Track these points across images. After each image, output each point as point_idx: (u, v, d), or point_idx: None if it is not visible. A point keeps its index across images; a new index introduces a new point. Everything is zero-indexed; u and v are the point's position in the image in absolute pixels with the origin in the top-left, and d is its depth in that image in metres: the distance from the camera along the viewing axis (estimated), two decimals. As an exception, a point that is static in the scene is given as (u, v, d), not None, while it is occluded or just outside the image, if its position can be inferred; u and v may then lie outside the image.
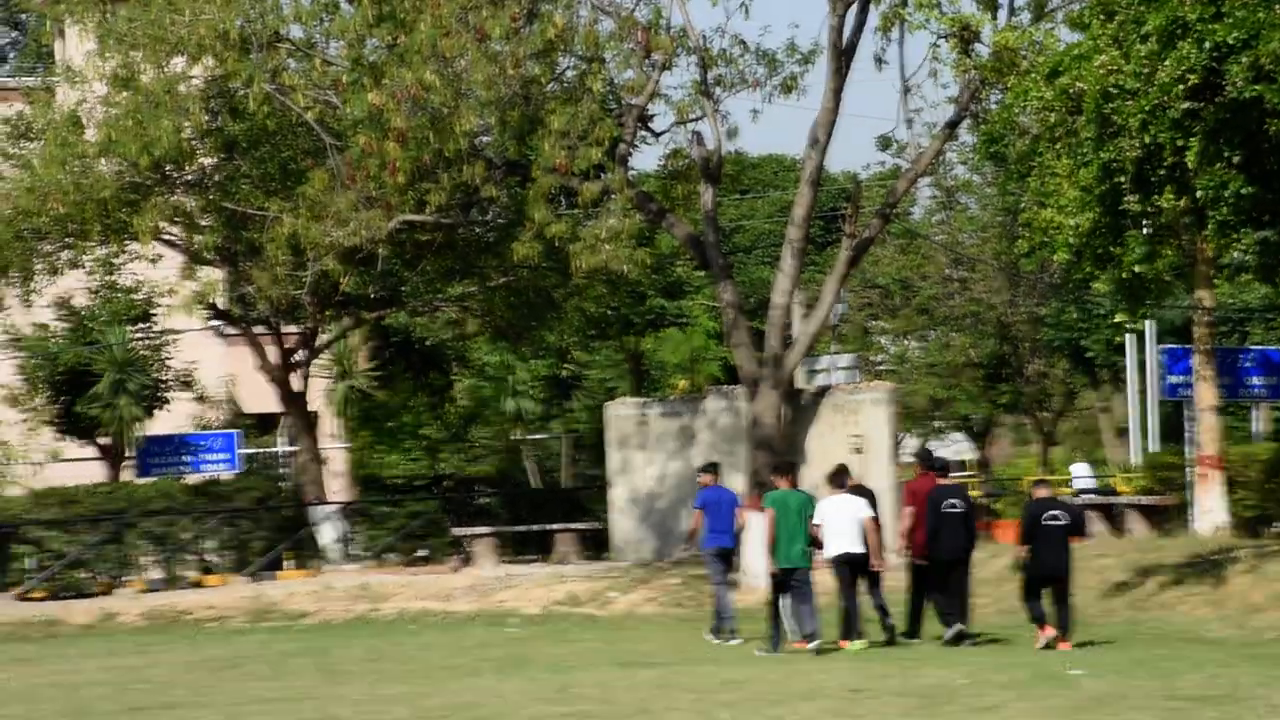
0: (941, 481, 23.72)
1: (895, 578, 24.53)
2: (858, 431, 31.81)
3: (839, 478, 23.57)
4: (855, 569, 23.05)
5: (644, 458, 33.96)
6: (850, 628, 23.03)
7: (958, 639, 23.04)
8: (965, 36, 27.08)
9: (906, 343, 54.35)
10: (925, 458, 24.59)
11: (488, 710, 17.71)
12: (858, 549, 22.97)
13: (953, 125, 31.52)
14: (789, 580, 22.85)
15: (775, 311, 31.14)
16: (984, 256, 50.41)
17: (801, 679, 19.44)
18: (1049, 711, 16.56)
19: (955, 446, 65.92)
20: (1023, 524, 23.01)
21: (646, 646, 24.32)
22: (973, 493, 46.11)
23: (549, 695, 18.72)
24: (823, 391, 32.95)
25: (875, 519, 23.35)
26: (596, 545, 36.94)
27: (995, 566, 29.25)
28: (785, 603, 23.04)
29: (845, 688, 18.51)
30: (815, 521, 22.99)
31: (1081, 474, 43.74)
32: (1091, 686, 18.23)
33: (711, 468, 25.46)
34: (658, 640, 25.18)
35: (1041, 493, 23.26)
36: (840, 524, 23.01)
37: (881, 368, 52.87)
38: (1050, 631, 22.61)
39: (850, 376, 39.13)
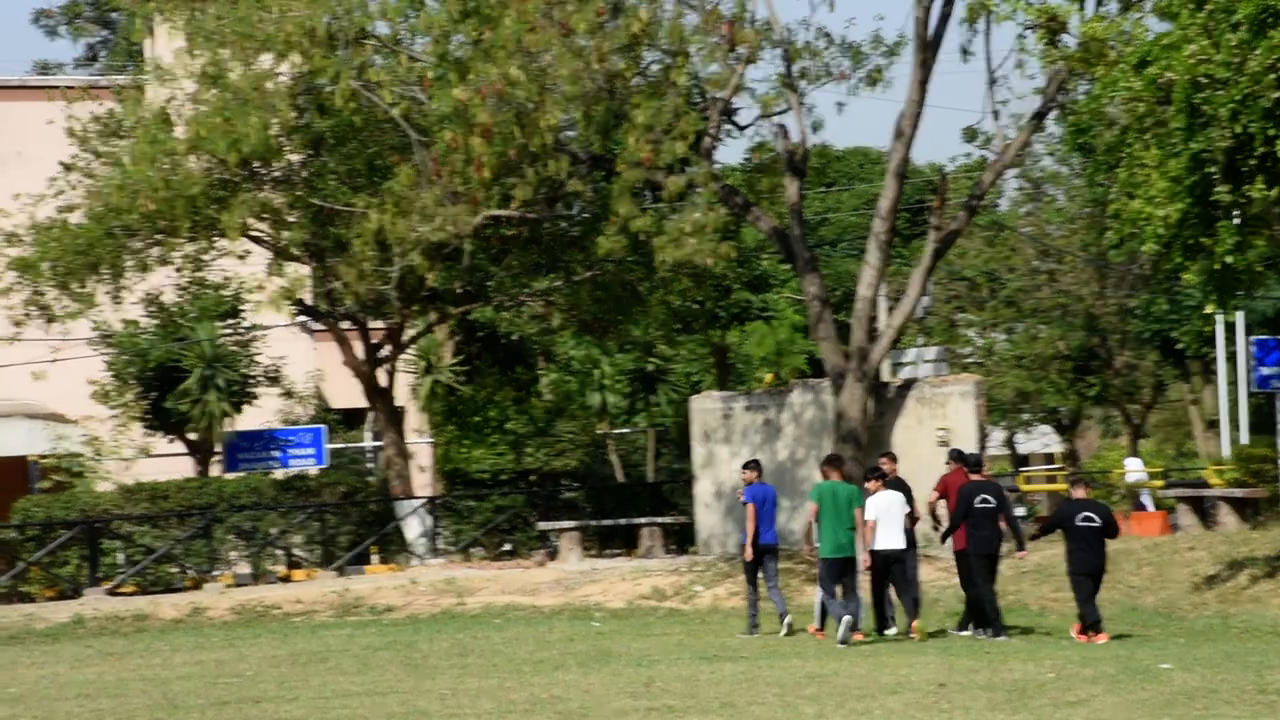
0: (974, 477, 24.08)
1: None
2: (944, 424, 31.66)
3: (878, 471, 24.25)
4: (893, 564, 23.73)
5: (728, 451, 33.91)
6: (883, 620, 23.91)
7: (986, 633, 23.63)
8: (1052, 27, 26.86)
9: (993, 335, 54.01)
10: (957, 455, 25.02)
11: (573, 704, 17.72)
12: (901, 545, 23.66)
13: (1039, 116, 31.33)
14: (842, 571, 23.52)
15: (861, 304, 31.03)
16: (1072, 248, 50.07)
17: (888, 673, 19.37)
18: (1138, 705, 16.44)
19: (1043, 439, 65.57)
20: (1053, 523, 23.71)
21: (731, 640, 24.30)
22: (1058, 486, 45.93)
23: (633, 689, 18.72)
24: (909, 384, 32.80)
25: (913, 514, 24.14)
26: (681, 539, 36.93)
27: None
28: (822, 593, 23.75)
29: (932, 682, 18.42)
30: (867, 517, 23.60)
31: (1135, 469, 43.68)
32: (1182, 680, 18.08)
33: (753, 465, 25.74)
34: (742, 634, 25.11)
35: (1079, 493, 23.64)
36: (890, 519, 23.68)
37: (968, 360, 52.55)
38: (1105, 637, 22.88)
39: (936, 369, 38.93)
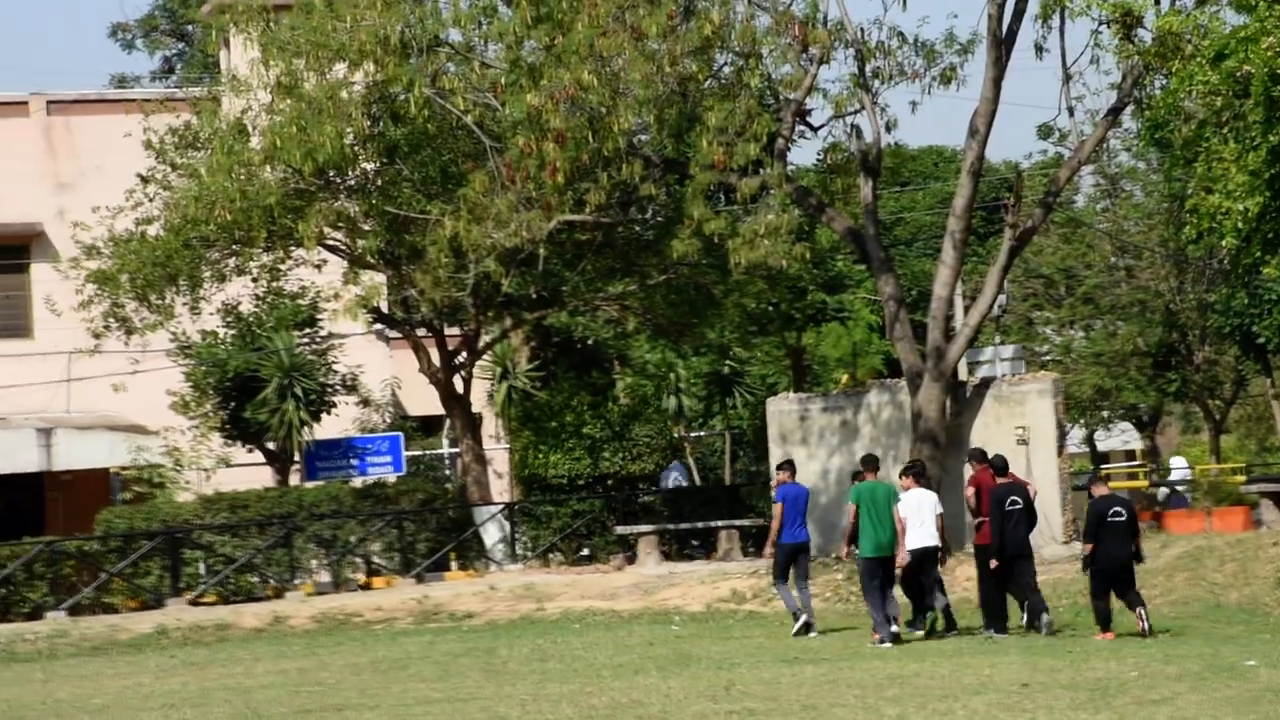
0: (1001, 480, 24.40)
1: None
2: (1022, 423, 31.48)
3: (916, 470, 24.78)
4: (926, 561, 24.07)
5: (805, 453, 33.81)
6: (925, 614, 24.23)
7: (1046, 627, 23.66)
8: (1127, 22, 26.66)
9: (1071, 332, 53.70)
10: (979, 456, 25.46)
11: (653, 709, 17.71)
12: (933, 542, 24.05)
13: (1115, 112, 31.12)
14: (881, 567, 23.80)
15: (937, 303, 30.89)
16: (1150, 244, 49.74)
17: (970, 674, 19.27)
18: (1222, 703, 16.29)
19: (1123, 436, 65.16)
20: (1088, 522, 23.49)
21: (811, 642, 24.22)
22: (1140, 483, 45.65)
23: (714, 693, 18.69)
24: (986, 383, 32.63)
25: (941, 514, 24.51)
26: (759, 541, 36.83)
27: (1166, 558, 28.90)
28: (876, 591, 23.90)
29: (1014, 682, 18.32)
30: (901, 515, 24.02)
31: (1179, 467, 43.55)
32: (1268, 677, 17.91)
33: (786, 465, 26.21)
34: (823, 636, 25.06)
35: (1101, 490, 23.81)
36: (921, 517, 24.06)
37: (1046, 358, 52.28)
38: (1112, 636, 22.97)
39: (1014, 367, 38.75)
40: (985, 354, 40.95)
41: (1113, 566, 23.25)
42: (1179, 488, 43.31)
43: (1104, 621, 23.25)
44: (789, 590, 25.26)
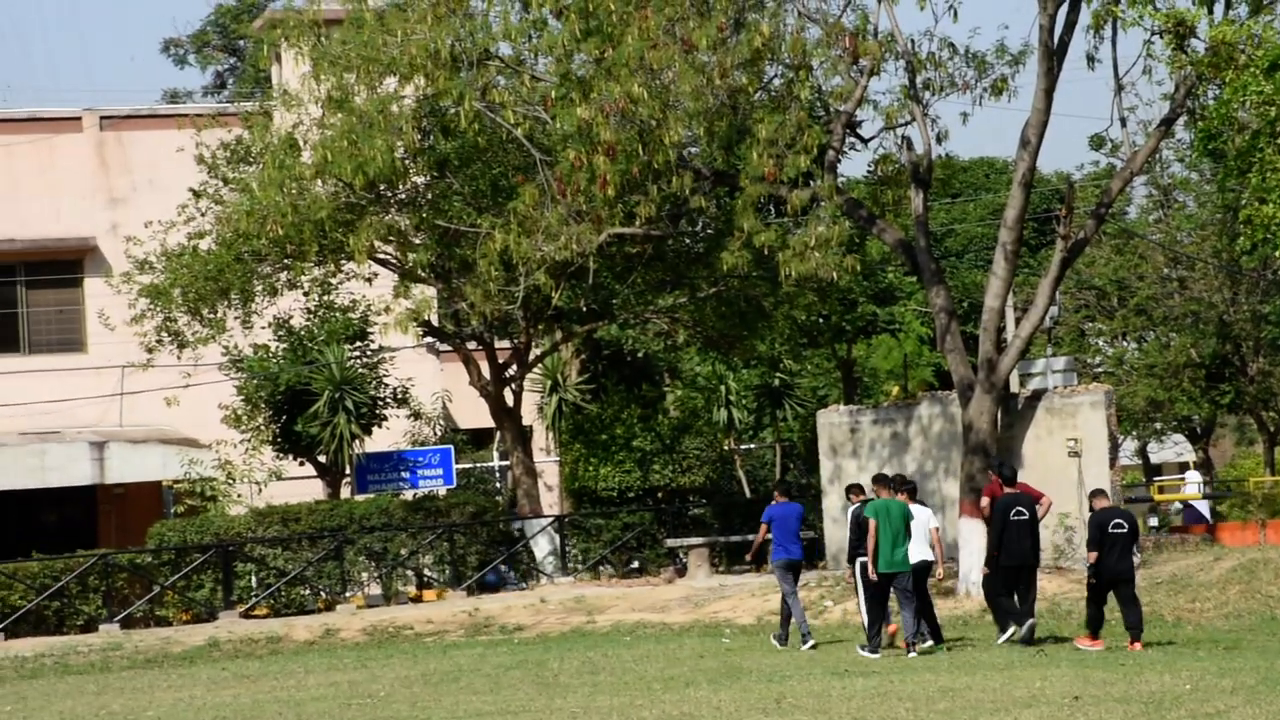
0: (1008, 490, 24.61)
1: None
2: (1074, 435, 31.36)
3: (897, 485, 25.09)
4: (921, 575, 24.58)
5: (856, 465, 33.76)
6: (928, 631, 24.59)
7: (1029, 637, 23.96)
8: (1180, 32, 26.55)
9: (1124, 344, 53.49)
10: (996, 467, 26.04)
11: (704, 721, 17.69)
12: (929, 556, 24.60)
13: (1168, 122, 30.99)
14: (891, 584, 24.13)
15: (989, 315, 30.80)
16: (1203, 255, 49.51)
17: (1021, 686, 19.18)
18: (1277, 716, 16.17)
19: (1176, 448, 64.83)
20: (1090, 533, 23.86)
21: (861, 655, 24.14)
22: (1193, 496, 45.43)
23: (764, 705, 18.65)
24: (1038, 395, 32.52)
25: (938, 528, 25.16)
26: (809, 554, 36.78)
27: (1219, 570, 28.75)
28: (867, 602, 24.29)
29: (1066, 695, 18.23)
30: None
31: (1194, 480, 43.51)
32: (1322, 693, 17.78)
33: (780, 485, 27.27)
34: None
35: (1102, 503, 24.09)
36: (915, 533, 24.42)
37: (1098, 370, 52.07)
38: (1101, 644, 23.32)
39: (1066, 379, 38.60)
40: (1037, 366, 40.81)
41: (1114, 576, 23.60)
42: (1193, 502, 43.37)
43: (1095, 628, 23.66)
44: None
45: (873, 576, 23.99)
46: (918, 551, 24.45)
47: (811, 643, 25.47)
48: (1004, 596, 24.46)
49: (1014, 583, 24.40)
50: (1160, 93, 31.84)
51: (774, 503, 26.42)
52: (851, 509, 25.46)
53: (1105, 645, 23.41)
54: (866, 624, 24.43)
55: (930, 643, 24.53)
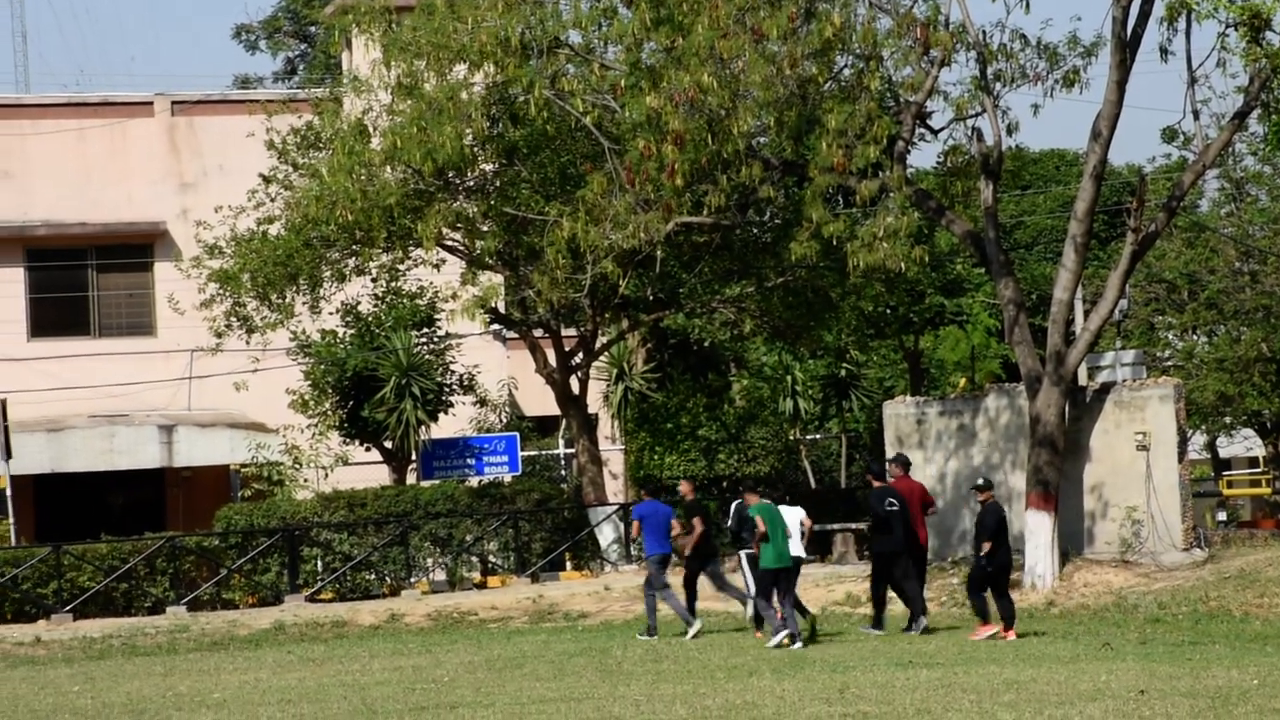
0: (877, 484, 26.92)
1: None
2: (1143, 428, 31.18)
3: (765, 488, 27.68)
4: (797, 570, 26.03)
5: (922, 457, 33.65)
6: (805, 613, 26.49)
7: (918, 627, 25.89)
8: (1255, 24, 26.34)
9: (1193, 337, 53.13)
10: (900, 461, 28.21)
11: (767, 711, 17.67)
12: (800, 551, 25.96)
13: (1242, 116, 30.72)
14: (780, 580, 25.48)
15: (1057, 308, 30.63)
16: (1275, 249, 49.11)
17: (1086, 679, 19.11)
18: (1346, 716, 16.06)
19: (1245, 443, 64.39)
20: (988, 524, 25.18)
21: (926, 646, 24.10)
22: (1263, 490, 45.02)
23: (828, 696, 18.63)
24: (1106, 388, 32.34)
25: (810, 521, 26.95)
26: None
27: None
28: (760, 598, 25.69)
29: (1132, 689, 18.15)
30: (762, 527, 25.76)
31: None
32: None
33: (646, 482, 29.09)
34: (937, 640, 24.95)
35: (989, 496, 25.44)
36: (789, 529, 25.75)
37: (1167, 363, 51.73)
38: (1001, 628, 24.67)
39: (1135, 373, 38.34)
40: (1106, 359, 40.53)
41: (1000, 569, 25.03)
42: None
43: (986, 615, 24.98)
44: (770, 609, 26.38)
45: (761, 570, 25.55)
46: (794, 547, 25.83)
47: (696, 628, 26.91)
48: (884, 587, 26.45)
49: (893, 570, 26.29)
50: (1234, 85, 31.45)
51: (642, 501, 28.19)
52: (735, 504, 27.65)
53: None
54: (763, 615, 25.66)
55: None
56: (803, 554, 26.13)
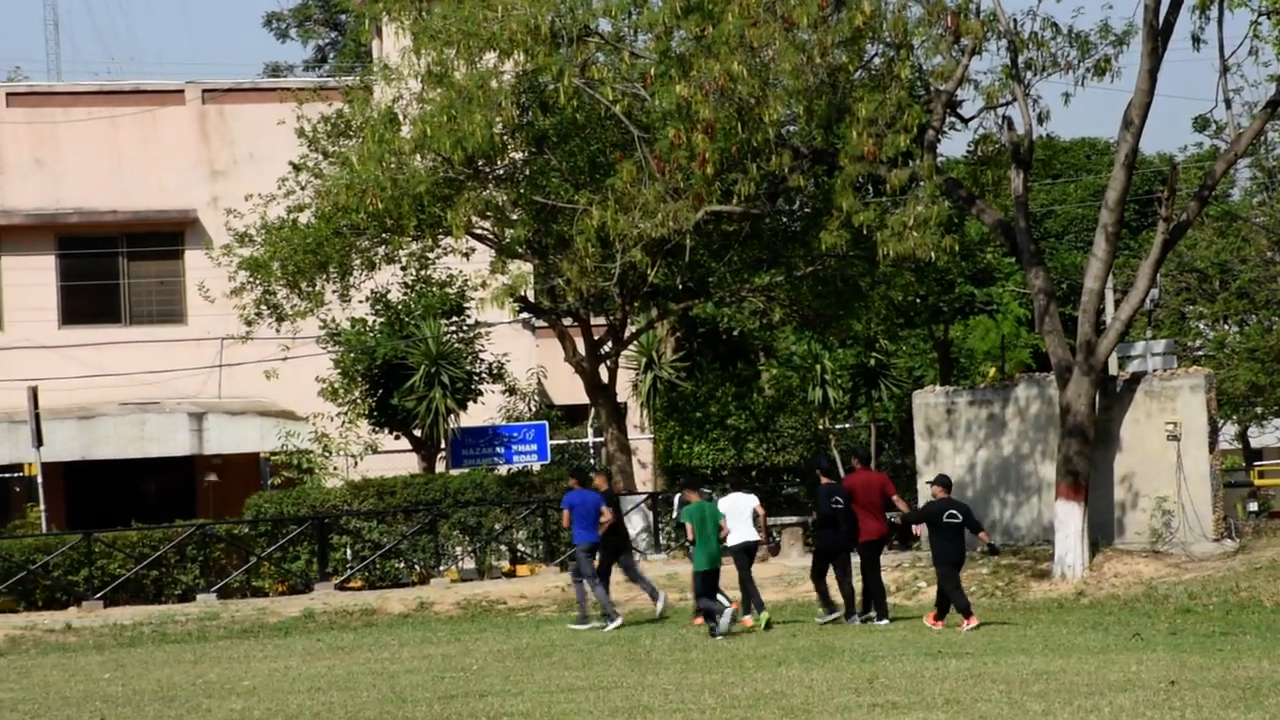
0: (825, 480, 27.19)
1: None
2: (1173, 418, 31.10)
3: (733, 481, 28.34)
4: (751, 553, 26.85)
5: (952, 446, 33.61)
6: (756, 604, 26.70)
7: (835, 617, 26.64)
8: (1286, 12, 26.21)
9: (1225, 327, 52.97)
10: (859, 455, 28.46)
11: (795, 700, 17.65)
12: (754, 536, 26.81)
13: (1274, 104, 30.59)
14: (716, 578, 26.46)
15: (1088, 297, 30.56)
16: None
17: (1116, 670, 19.06)
18: (1378, 708, 15.99)
19: (1277, 433, 64.18)
20: (918, 517, 26.52)
21: (955, 636, 24.07)
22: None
23: (857, 685, 18.61)
24: (1137, 378, 32.26)
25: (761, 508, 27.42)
26: (904, 534, 36.61)
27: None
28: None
29: (1162, 679, 18.10)
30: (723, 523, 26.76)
31: None
32: None
33: (577, 472, 29.40)
34: (967, 630, 24.88)
35: (940, 493, 26.00)
36: (739, 516, 26.69)
37: (1198, 353, 51.59)
38: (976, 620, 25.07)
39: (1166, 362, 38.28)
40: (1136, 348, 40.48)
41: (952, 560, 25.64)
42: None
43: (967, 608, 25.26)
44: (581, 588, 28.01)
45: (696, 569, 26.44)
46: (743, 533, 26.66)
47: (617, 623, 27.43)
48: (824, 579, 26.93)
49: (830, 564, 26.89)
50: (1267, 74, 31.41)
51: (571, 490, 28.55)
52: (678, 496, 28.43)
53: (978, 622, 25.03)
54: (710, 610, 26.00)
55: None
56: (755, 537, 26.88)
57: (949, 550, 25.69)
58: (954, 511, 25.80)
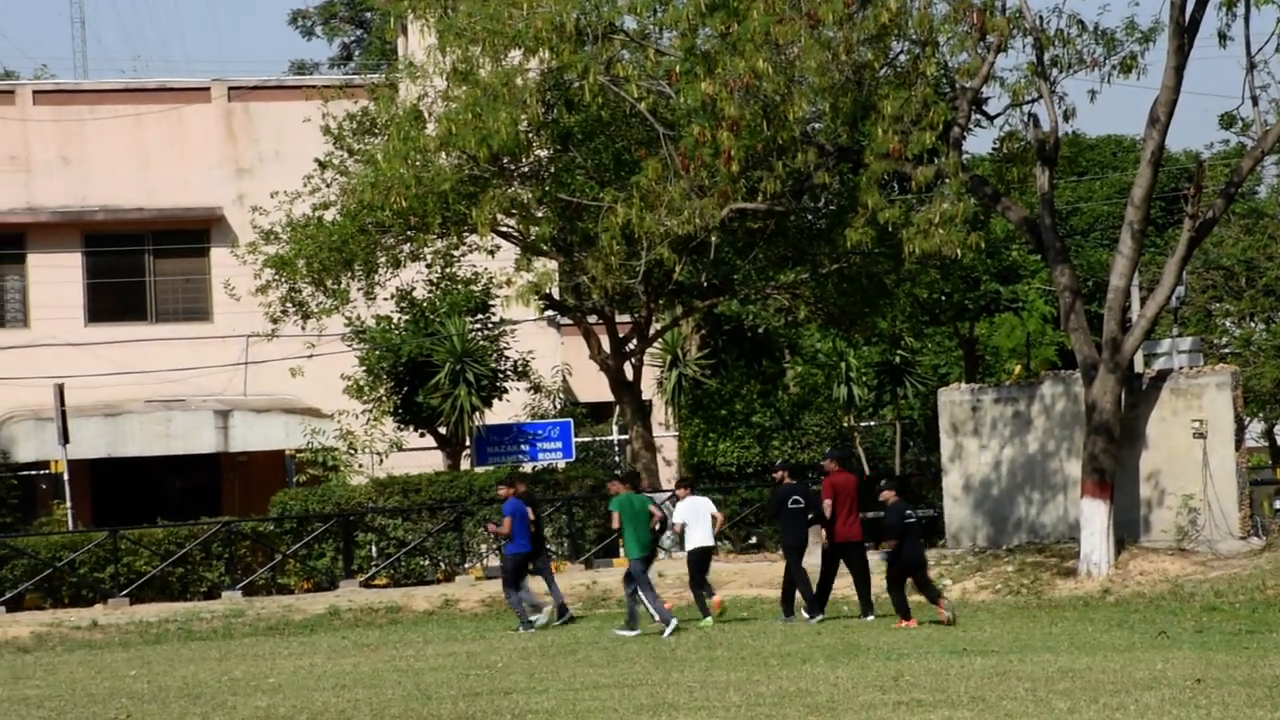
0: (788, 481, 27.75)
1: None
2: (1199, 416, 31.02)
3: (687, 482, 28.74)
4: (706, 558, 27.44)
5: (977, 444, 33.56)
6: (701, 610, 27.25)
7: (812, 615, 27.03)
8: (1314, 9, 26.13)
9: (1251, 324, 52.83)
10: (837, 456, 28.48)
11: (821, 698, 17.64)
12: (710, 541, 27.41)
13: (1301, 101, 30.51)
14: (648, 567, 26.85)
15: (1114, 294, 30.50)
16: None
17: (1142, 668, 19.02)
18: (1406, 707, 15.94)
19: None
20: (889, 523, 26.27)
21: (981, 634, 24.04)
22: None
23: (882, 683, 18.59)
24: (1163, 375, 32.19)
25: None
26: (929, 532, 36.56)
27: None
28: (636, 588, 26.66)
29: (1188, 677, 18.06)
30: (675, 520, 27.42)
31: None
32: None
33: (511, 480, 29.61)
34: (992, 628, 24.87)
35: (891, 495, 26.32)
36: (697, 519, 27.19)
37: (1225, 351, 51.46)
38: (915, 623, 25.43)
39: (1192, 360, 38.18)
40: (1162, 346, 40.40)
41: (912, 563, 25.93)
42: None
43: (904, 610, 25.73)
44: (518, 595, 28.39)
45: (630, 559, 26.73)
46: (700, 538, 27.20)
47: (540, 622, 27.93)
48: (797, 578, 27.31)
49: (799, 563, 27.36)
50: (1293, 71, 31.24)
51: (511, 497, 28.81)
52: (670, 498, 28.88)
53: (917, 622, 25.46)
54: (650, 606, 26.55)
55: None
56: (711, 542, 27.47)
57: (802, 537, 27.21)
58: (797, 497, 27.12)
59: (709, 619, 26.92)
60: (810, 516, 27.62)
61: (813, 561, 28.46)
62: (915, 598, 26.53)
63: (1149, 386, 31.76)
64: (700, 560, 27.37)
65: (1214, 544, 30.13)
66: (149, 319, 44.10)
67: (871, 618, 26.86)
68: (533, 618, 28.23)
